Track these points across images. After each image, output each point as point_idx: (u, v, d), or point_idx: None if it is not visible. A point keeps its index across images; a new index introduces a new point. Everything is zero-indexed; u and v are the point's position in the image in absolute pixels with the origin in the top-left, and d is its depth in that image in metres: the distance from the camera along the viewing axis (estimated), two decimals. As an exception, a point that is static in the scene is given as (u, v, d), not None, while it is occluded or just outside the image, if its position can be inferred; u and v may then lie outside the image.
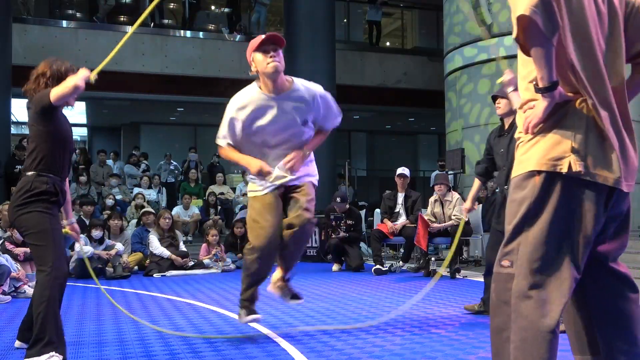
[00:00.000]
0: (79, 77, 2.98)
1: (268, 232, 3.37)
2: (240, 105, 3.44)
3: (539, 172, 1.78)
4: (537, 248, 1.78)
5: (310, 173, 3.65)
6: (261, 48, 3.34)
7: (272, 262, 3.57)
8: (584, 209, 1.77)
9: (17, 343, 3.35)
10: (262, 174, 3.40)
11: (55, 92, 2.97)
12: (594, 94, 1.76)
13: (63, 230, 3.34)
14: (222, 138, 3.51)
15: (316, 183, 3.68)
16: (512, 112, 4.09)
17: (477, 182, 4.43)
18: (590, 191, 1.76)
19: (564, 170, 1.74)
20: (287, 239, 3.44)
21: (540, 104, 1.76)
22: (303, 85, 3.54)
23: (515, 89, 3.80)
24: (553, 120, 1.78)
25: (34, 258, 3.11)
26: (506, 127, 4.16)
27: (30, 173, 3.06)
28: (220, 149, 3.56)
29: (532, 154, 1.80)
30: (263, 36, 3.36)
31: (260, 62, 3.35)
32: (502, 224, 4.05)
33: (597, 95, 1.76)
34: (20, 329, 3.30)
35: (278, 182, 3.51)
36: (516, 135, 1.92)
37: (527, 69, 1.84)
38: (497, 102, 4.17)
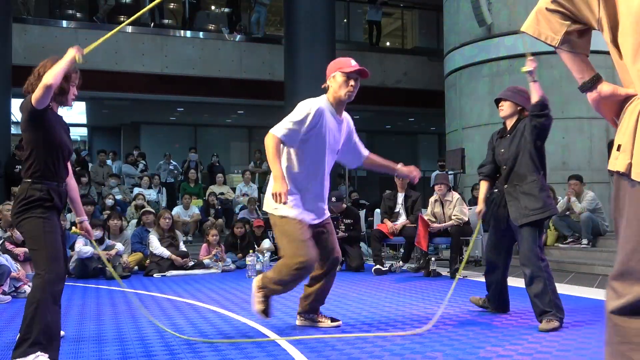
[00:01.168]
0: (52, 75, 2.90)
1: (312, 251, 3.53)
2: (317, 110, 3.53)
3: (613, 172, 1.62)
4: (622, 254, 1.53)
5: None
6: (348, 74, 3.57)
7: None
8: None
9: None
10: (276, 198, 3.34)
11: (34, 96, 2.93)
12: None
13: (72, 230, 3.39)
14: (281, 129, 3.48)
15: None
16: (514, 114, 4.11)
17: (484, 184, 4.35)
18: None
19: (616, 168, 1.57)
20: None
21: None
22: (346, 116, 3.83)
23: (535, 81, 3.79)
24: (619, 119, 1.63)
25: (33, 263, 3.17)
26: (508, 128, 4.15)
27: (26, 180, 3.11)
28: (268, 139, 3.46)
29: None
30: (354, 63, 3.58)
31: (339, 83, 3.58)
32: (501, 222, 4.06)
33: None
34: None
35: (314, 222, 3.66)
36: None
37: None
38: (500, 104, 4.17)
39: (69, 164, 3.31)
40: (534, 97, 3.83)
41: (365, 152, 3.95)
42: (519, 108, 4.10)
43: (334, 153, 3.71)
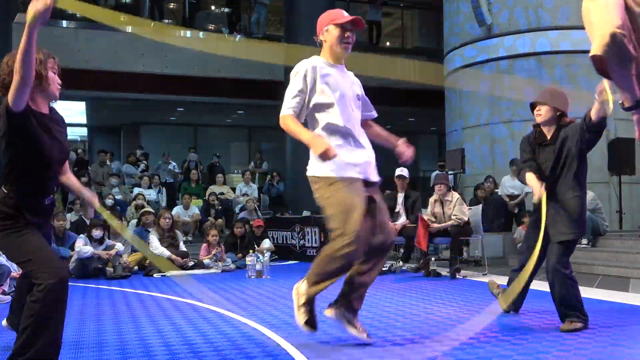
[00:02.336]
0: (19, 57, 2.46)
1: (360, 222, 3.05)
2: (306, 71, 3.26)
3: None
4: None
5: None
6: (343, 24, 3.29)
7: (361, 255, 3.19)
8: None
9: (4, 322, 3.34)
10: (325, 157, 3.01)
11: (9, 94, 2.52)
12: None
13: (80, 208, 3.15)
14: (288, 106, 3.24)
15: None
16: (553, 120, 3.80)
17: (533, 175, 3.84)
18: None
19: None
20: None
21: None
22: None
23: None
24: None
25: (28, 273, 2.76)
26: (548, 136, 3.84)
27: (4, 190, 2.72)
28: (282, 119, 3.23)
29: None
30: (345, 13, 3.32)
31: (334, 36, 3.30)
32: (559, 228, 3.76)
33: None
34: (11, 310, 3.25)
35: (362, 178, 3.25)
36: None
37: None
38: (536, 109, 3.84)
39: (66, 162, 3.00)
40: (598, 114, 3.54)
41: (374, 113, 3.63)
42: (558, 113, 3.80)
43: (356, 99, 3.38)
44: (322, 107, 3.26)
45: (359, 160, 3.28)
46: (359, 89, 3.46)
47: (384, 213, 3.37)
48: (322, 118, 3.27)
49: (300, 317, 3.25)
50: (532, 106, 3.91)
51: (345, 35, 3.29)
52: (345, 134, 3.27)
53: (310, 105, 3.27)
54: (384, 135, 3.64)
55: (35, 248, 2.68)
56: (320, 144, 3.03)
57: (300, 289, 3.27)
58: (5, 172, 2.72)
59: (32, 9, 2.39)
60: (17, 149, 2.66)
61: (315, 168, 3.26)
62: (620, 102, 1.87)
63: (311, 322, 3.27)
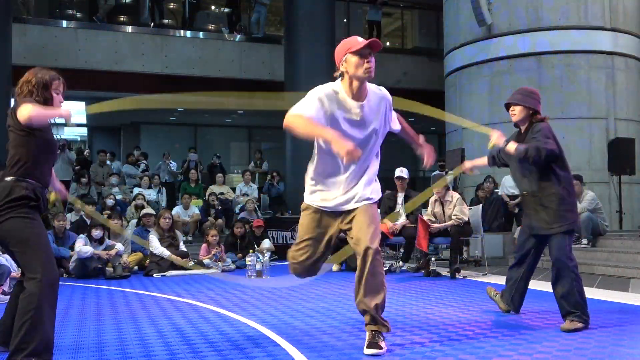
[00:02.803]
0: (36, 115, 2.83)
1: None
2: (326, 94, 3.18)
3: None
4: None
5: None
6: (360, 51, 3.14)
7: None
8: None
9: None
10: (350, 157, 2.92)
11: (19, 116, 2.87)
12: None
13: (51, 196, 3.26)
14: (301, 109, 3.10)
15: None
16: (527, 118, 3.97)
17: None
18: None
19: None
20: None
21: None
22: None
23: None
24: None
25: (21, 266, 2.94)
26: (522, 132, 4.01)
27: (9, 178, 2.93)
28: (293, 117, 3.06)
29: None
30: (362, 40, 3.18)
31: (354, 64, 3.15)
32: (535, 228, 3.92)
33: None
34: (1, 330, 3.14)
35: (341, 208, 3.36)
36: None
37: None
38: (511, 109, 4.02)
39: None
40: (515, 152, 3.84)
41: (397, 126, 3.58)
42: (530, 111, 3.97)
43: (361, 136, 3.27)
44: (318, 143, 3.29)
45: (334, 199, 3.35)
46: (377, 120, 3.30)
47: (357, 228, 3.31)
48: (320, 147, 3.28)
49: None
50: (507, 106, 4.08)
51: (366, 60, 3.15)
52: (327, 180, 3.35)
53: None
54: (409, 135, 3.67)
55: (45, 244, 2.92)
56: (345, 144, 2.93)
57: None
58: (9, 166, 2.96)
59: (65, 116, 2.96)
60: (29, 141, 2.96)
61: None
62: None
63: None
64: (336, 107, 3.18)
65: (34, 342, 2.74)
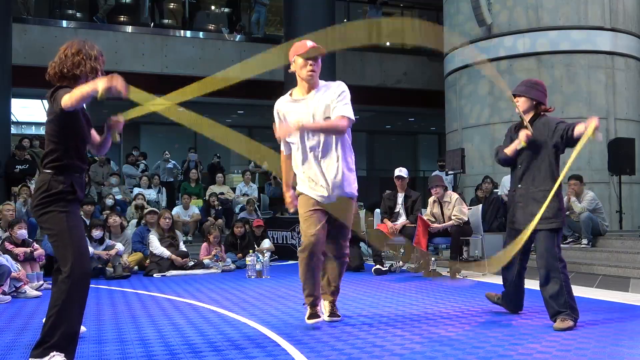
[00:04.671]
0: (74, 98, 2.81)
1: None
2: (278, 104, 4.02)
3: None
4: None
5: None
6: (304, 55, 3.74)
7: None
8: None
9: None
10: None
11: (63, 101, 2.85)
12: None
13: (111, 124, 3.29)
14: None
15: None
16: (531, 109, 3.98)
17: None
18: None
19: None
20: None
21: None
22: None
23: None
24: None
25: (56, 257, 3.06)
26: (525, 123, 4.00)
27: (47, 172, 3.04)
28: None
29: None
30: (310, 44, 3.77)
31: (300, 66, 3.80)
32: (517, 222, 3.97)
33: None
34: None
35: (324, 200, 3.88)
36: None
37: None
38: (515, 100, 4.04)
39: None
40: (579, 133, 3.76)
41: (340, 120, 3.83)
42: (534, 103, 3.97)
43: (310, 132, 3.82)
44: (288, 143, 3.94)
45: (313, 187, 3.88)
46: (326, 108, 3.81)
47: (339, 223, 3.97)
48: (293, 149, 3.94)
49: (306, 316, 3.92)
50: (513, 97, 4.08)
51: (309, 63, 3.74)
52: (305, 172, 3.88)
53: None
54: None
55: (78, 238, 3.02)
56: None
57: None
58: (47, 158, 3.03)
59: (107, 84, 2.77)
60: (65, 130, 3.02)
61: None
62: None
63: (312, 315, 3.88)
64: (283, 113, 3.91)
65: (56, 336, 2.87)
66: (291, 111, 3.84)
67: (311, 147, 3.79)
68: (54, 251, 3.07)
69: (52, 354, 2.86)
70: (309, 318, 3.87)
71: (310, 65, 3.72)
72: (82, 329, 3.40)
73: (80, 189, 3.13)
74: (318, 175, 3.80)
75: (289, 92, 3.95)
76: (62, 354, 2.88)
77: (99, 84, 2.76)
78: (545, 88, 4.06)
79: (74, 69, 3.04)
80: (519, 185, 4.01)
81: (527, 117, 4.00)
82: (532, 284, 4.45)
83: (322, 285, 4.04)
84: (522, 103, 3.99)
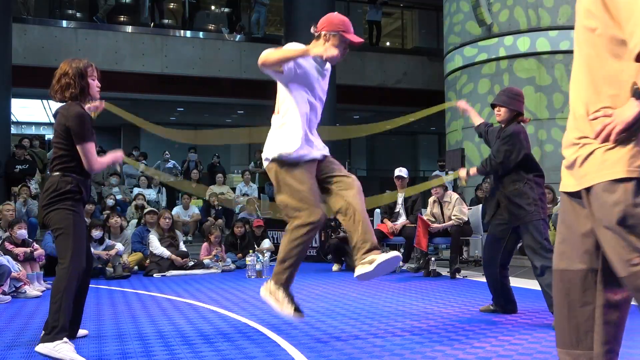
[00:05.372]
0: (98, 164, 3.35)
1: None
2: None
3: (629, 179, 1.78)
4: None
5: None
6: (342, 37, 3.37)
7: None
8: None
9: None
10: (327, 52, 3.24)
11: (83, 151, 3.28)
12: None
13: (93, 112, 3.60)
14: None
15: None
16: (511, 119, 4.17)
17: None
18: None
19: None
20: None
21: (631, 111, 1.75)
22: None
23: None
24: (634, 129, 1.78)
25: (57, 252, 3.33)
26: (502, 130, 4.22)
27: (55, 174, 3.31)
28: (265, 56, 3.27)
29: (619, 162, 1.79)
30: (352, 32, 3.42)
31: (332, 45, 3.37)
32: (497, 224, 4.13)
33: None
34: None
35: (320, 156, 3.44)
36: (584, 142, 1.88)
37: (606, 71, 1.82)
38: (496, 109, 4.23)
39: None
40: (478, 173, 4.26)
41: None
42: (515, 113, 4.17)
43: (318, 99, 3.52)
44: (292, 92, 3.45)
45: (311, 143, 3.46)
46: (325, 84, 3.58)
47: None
48: (291, 103, 3.47)
49: (287, 310, 3.31)
50: (493, 106, 4.27)
51: (343, 47, 3.41)
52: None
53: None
54: None
55: (79, 236, 3.29)
56: (319, 49, 3.32)
57: (266, 286, 3.43)
58: (55, 161, 3.33)
59: (118, 162, 3.63)
60: (73, 147, 3.31)
61: (271, 148, 3.51)
62: (636, 87, 1.76)
63: (297, 310, 3.33)
64: (306, 64, 3.40)
65: (62, 320, 3.18)
66: (312, 68, 3.46)
67: (313, 106, 3.47)
68: (56, 245, 3.33)
69: (63, 339, 3.15)
70: (296, 311, 3.33)
71: (342, 53, 3.40)
72: (84, 332, 3.69)
73: (86, 190, 3.39)
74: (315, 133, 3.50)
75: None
76: (71, 343, 3.18)
77: (117, 158, 3.55)
78: (523, 98, 4.25)
79: (67, 90, 3.39)
80: (493, 186, 4.30)
81: (506, 124, 4.19)
82: (531, 284, 4.45)
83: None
84: (502, 112, 4.18)
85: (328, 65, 3.56)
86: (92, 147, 3.32)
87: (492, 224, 4.23)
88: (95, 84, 3.48)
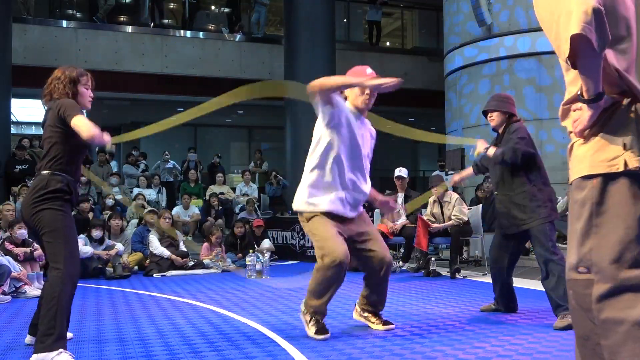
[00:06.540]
0: (98, 134, 3.10)
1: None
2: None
3: (594, 176, 1.76)
4: (612, 249, 1.72)
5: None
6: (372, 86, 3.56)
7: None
8: None
9: (28, 338, 3.41)
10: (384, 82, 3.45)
11: (75, 123, 3.08)
12: None
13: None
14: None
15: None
16: (504, 122, 4.21)
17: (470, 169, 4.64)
18: None
19: (620, 168, 1.73)
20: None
21: (586, 113, 1.76)
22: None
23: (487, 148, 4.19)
24: (600, 124, 1.77)
25: (48, 255, 3.17)
26: (500, 135, 4.26)
27: (45, 172, 3.16)
28: (322, 80, 3.48)
29: (584, 158, 1.79)
30: (370, 71, 3.71)
31: (356, 94, 3.70)
32: (504, 227, 4.15)
33: None
34: (32, 323, 3.38)
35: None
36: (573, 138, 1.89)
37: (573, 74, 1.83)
38: (489, 115, 4.27)
39: None
40: (492, 156, 4.13)
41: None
42: (507, 115, 4.21)
43: (358, 152, 3.67)
44: (325, 143, 3.62)
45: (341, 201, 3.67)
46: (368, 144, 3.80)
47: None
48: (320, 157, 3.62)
49: (310, 330, 3.56)
50: (485, 113, 4.33)
51: (366, 92, 3.69)
52: (331, 185, 3.66)
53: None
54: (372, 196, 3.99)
55: (72, 239, 3.18)
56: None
57: (302, 307, 3.67)
58: (46, 159, 3.19)
59: (107, 143, 3.24)
60: (64, 134, 3.18)
61: (300, 199, 3.71)
62: (578, 92, 1.76)
63: (321, 330, 3.53)
64: (345, 117, 3.59)
65: (59, 327, 2.99)
66: (352, 122, 3.65)
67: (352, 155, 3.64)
68: (46, 248, 3.14)
69: (60, 350, 2.94)
70: (318, 333, 3.52)
71: (368, 94, 3.70)
72: (69, 334, 3.48)
73: (75, 192, 3.25)
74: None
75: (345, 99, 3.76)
76: (64, 351, 2.96)
77: (104, 139, 3.18)
78: (513, 101, 4.30)
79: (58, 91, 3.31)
80: (495, 193, 4.25)
81: (501, 129, 4.23)
82: (532, 284, 4.45)
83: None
84: (495, 117, 4.23)
85: (372, 129, 3.82)
86: (83, 116, 3.14)
87: (501, 224, 4.20)
88: (88, 93, 3.40)
